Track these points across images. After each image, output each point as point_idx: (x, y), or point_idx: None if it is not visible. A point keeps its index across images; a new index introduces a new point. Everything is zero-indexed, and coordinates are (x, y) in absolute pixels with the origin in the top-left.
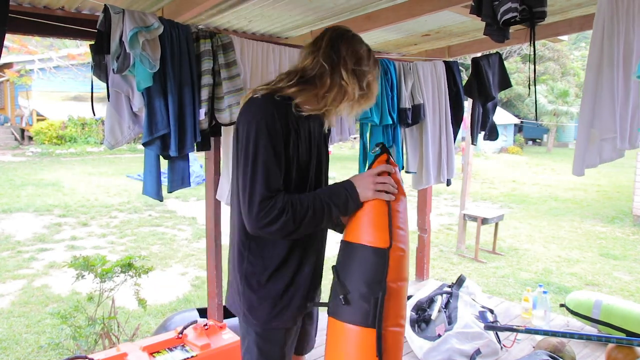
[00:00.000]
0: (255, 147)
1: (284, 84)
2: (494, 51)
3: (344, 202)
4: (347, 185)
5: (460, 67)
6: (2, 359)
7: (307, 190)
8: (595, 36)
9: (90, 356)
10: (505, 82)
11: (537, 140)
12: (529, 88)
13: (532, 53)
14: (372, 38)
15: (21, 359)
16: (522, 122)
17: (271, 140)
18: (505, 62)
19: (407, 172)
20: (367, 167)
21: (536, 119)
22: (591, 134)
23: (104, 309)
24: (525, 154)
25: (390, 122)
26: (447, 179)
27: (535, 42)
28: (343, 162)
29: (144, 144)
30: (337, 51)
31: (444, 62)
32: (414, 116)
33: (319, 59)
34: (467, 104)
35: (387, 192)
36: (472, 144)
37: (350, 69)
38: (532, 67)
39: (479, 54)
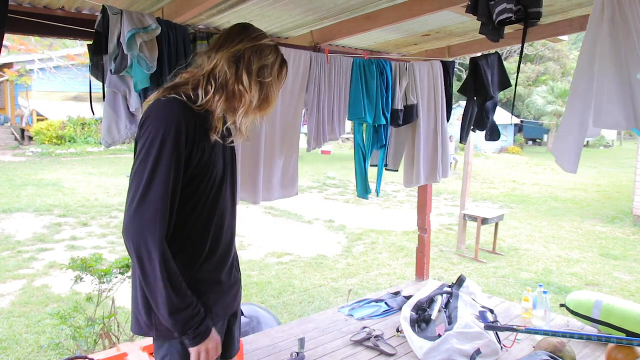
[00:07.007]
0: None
1: (202, 92)
2: (493, 51)
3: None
4: (201, 329)
5: (461, 67)
6: (2, 359)
7: (202, 211)
8: (587, 36)
9: (90, 356)
10: (504, 82)
11: (537, 140)
12: (513, 86)
13: (521, 53)
14: (372, 38)
15: (21, 359)
16: (522, 122)
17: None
18: (505, 62)
19: (387, 169)
20: (366, 165)
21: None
22: (579, 130)
23: (104, 309)
24: (525, 154)
25: (384, 122)
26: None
27: (535, 42)
28: (343, 162)
29: None
30: (241, 56)
31: (441, 62)
32: (406, 117)
33: (224, 64)
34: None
35: None
36: (461, 142)
37: (254, 78)
38: (524, 66)
39: (478, 54)
